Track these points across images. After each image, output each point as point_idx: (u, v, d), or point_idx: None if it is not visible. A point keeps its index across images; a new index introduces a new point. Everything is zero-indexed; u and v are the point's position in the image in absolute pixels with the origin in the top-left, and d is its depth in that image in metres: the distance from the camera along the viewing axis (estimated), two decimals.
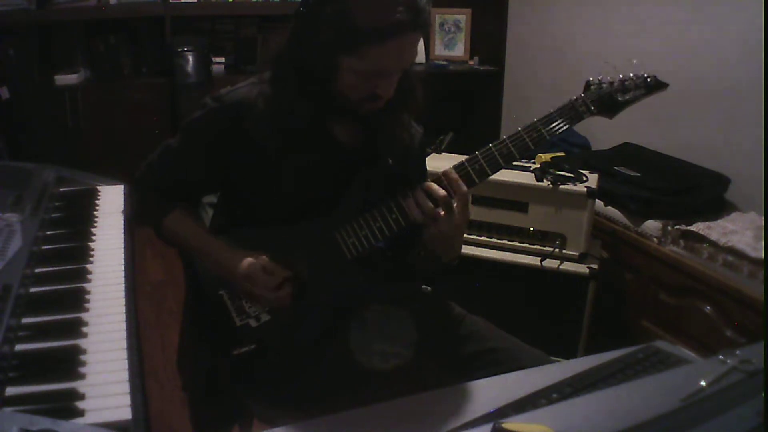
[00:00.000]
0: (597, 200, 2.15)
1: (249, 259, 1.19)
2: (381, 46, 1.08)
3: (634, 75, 1.22)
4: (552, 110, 1.19)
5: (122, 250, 1.26)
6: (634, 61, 1.24)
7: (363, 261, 1.24)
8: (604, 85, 1.21)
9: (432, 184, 1.16)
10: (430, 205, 1.14)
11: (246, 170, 1.24)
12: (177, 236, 1.29)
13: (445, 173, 1.16)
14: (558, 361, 1.26)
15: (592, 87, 1.21)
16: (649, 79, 1.22)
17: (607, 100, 1.20)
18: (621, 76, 1.22)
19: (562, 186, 2.10)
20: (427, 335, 1.29)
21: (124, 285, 1.13)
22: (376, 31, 1.07)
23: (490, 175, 1.18)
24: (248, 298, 1.23)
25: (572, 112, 1.18)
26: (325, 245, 1.22)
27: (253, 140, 1.19)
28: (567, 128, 1.19)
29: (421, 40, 4.17)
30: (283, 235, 1.24)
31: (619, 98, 1.20)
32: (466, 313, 1.37)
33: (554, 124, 1.18)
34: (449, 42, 3.87)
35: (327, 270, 1.23)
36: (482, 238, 2.21)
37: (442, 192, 1.14)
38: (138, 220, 1.37)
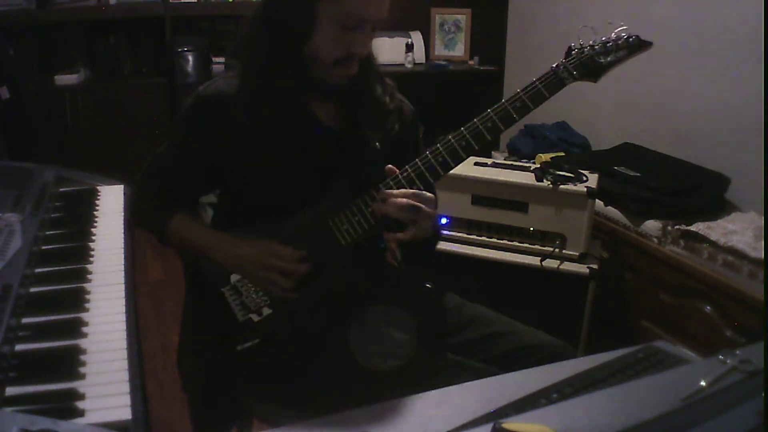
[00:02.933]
0: (597, 200, 2.14)
1: (263, 248, 1.21)
2: None
3: (615, 36, 1.20)
4: (534, 79, 1.17)
5: (122, 250, 1.26)
6: (610, 23, 1.22)
7: (359, 248, 1.24)
8: (585, 50, 1.19)
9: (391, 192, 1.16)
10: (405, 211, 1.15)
11: (233, 161, 1.24)
12: (182, 239, 1.30)
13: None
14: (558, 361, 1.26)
15: (573, 52, 1.20)
16: (631, 39, 1.19)
17: (589, 64, 1.18)
18: (603, 38, 1.20)
19: (562, 186, 2.10)
20: (428, 327, 1.29)
21: (124, 285, 1.13)
22: None
23: (475, 150, 1.19)
24: (263, 281, 1.22)
25: (554, 78, 1.17)
26: (320, 234, 1.23)
27: (236, 129, 1.20)
28: (550, 95, 1.18)
29: (422, 39, 4.14)
30: (279, 229, 1.24)
31: (602, 60, 1.18)
32: (464, 301, 1.38)
33: (537, 93, 1.16)
34: (449, 42, 3.87)
35: (325, 259, 1.23)
36: (482, 238, 2.21)
37: (403, 201, 1.15)
38: (140, 227, 1.37)
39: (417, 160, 1.19)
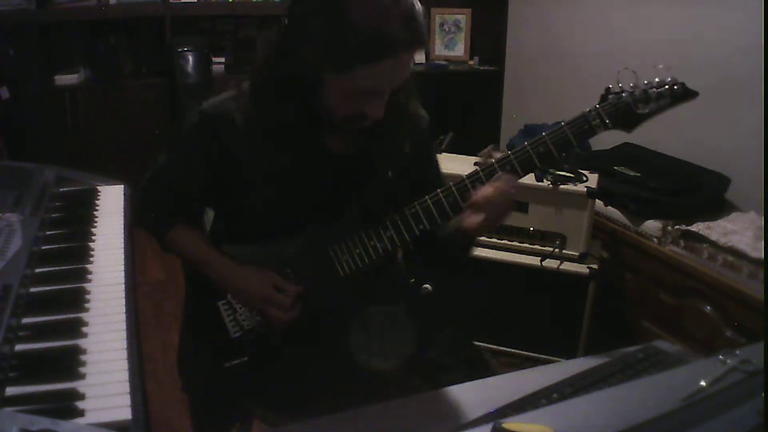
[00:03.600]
0: (597, 200, 2.15)
1: (262, 279, 1.18)
2: (375, 65, 1.00)
3: (658, 82, 1.07)
4: (562, 123, 1.08)
5: (122, 250, 1.26)
6: (660, 66, 1.08)
7: (356, 277, 1.21)
8: (623, 95, 1.07)
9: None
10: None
11: (235, 181, 1.21)
12: (182, 251, 1.28)
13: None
14: (558, 361, 1.26)
15: (610, 96, 1.07)
16: (675, 87, 1.07)
17: (625, 113, 1.06)
18: (645, 82, 1.07)
19: (562, 186, 2.10)
20: (405, 341, 1.28)
21: (124, 285, 1.13)
22: (370, 50, 0.99)
23: None
24: (257, 312, 1.22)
25: (585, 125, 1.07)
26: (318, 261, 1.21)
27: (238, 152, 1.17)
28: (578, 143, 1.09)
29: None
30: (277, 249, 1.22)
31: (639, 110, 1.07)
32: (465, 341, 1.36)
33: (564, 140, 1.07)
34: (449, 42, 3.87)
35: (321, 288, 1.22)
36: (482, 238, 2.21)
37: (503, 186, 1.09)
38: (143, 230, 1.35)
39: (427, 197, 1.14)
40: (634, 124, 1.08)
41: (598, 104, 1.07)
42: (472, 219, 1.10)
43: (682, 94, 1.07)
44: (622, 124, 1.07)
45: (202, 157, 1.21)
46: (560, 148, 1.08)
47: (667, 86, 1.07)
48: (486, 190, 1.08)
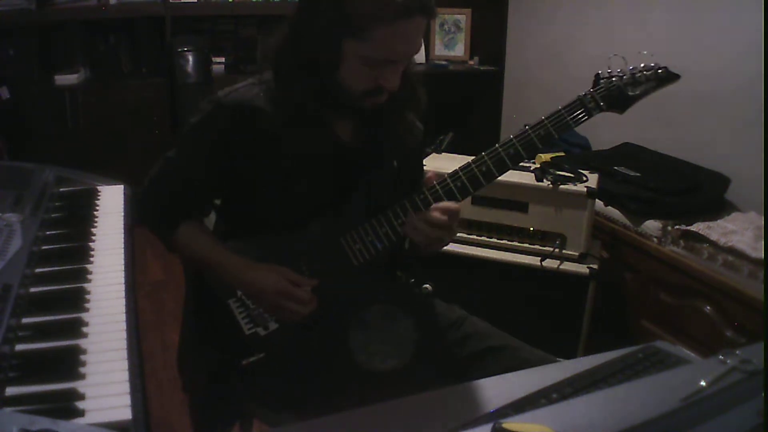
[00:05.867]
0: (597, 200, 2.15)
1: (277, 275, 1.18)
2: (389, 27, 1.04)
3: (644, 67, 1.16)
4: (560, 107, 1.13)
5: (122, 250, 1.26)
6: (644, 53, 1.17)
7: (369, 265, 1.23)
8: (614, 79, 1.14)
9: (440, 205, 1.16)
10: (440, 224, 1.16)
11: (249, 172, 1.21)
12: (191, 251, 1.27)
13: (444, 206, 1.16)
14: (558, 361, 1.26)
15: (602, 81, 1.15)
16: (660, 71, 1.16)
17: (618, 95, 1.14)
18: (631, 68, 1.16)
19: (562, 186, 2.10)
20: (427, 336, 1.29)
21: (124, 285, 1.13)
22: (384, 11, 1.03)
23: (497, 176, 1.16)
24: (272, 312, 1.22)
25: (581, 108, 1.12)
26: (331, 252, 1.21)
27: (255, 141, 1.18)
28: (576, 125, 1.14)
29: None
30: (289, 242, 1.23)
31: (630, 92, 1.14)
32: (467, 314, 1.37)
33: (563, 121, 1.12)
34: (449, 42, 3.87)
35: (335, 277, 1.22)
36: (482, 238, 2.21)
37: (454, 206, 1.15)
38: (148, 229, 1.34)
39: (435, 183, 1.16)
40: (626, 105, 1.15)
41: (592, 88, 1.14)
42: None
43: (666, 76, 1.17)
44: (615, 105, 1.14)
45: (217, 146, 1.20)
46: (559, 129, 1.13)
47: (652, 70, 1.16)
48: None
